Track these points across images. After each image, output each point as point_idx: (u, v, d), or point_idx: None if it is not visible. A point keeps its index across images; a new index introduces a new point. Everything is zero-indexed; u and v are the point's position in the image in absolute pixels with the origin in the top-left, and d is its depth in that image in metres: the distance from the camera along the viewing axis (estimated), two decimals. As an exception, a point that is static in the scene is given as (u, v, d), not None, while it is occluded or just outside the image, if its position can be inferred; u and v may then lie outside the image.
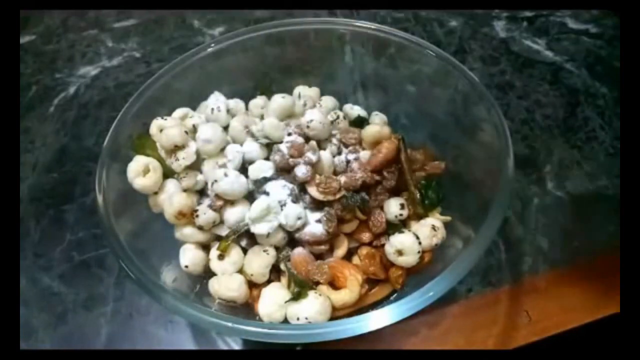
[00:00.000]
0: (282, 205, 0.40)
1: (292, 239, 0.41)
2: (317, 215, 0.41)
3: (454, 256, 0.36)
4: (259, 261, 0.39)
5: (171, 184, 0.43)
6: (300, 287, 0.38)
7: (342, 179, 0.41)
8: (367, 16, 0.78)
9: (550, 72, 0.69)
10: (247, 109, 0.50)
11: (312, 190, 0.40)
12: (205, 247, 0.43)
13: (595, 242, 0.51)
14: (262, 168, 0.41)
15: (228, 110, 0.47)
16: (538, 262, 0.50)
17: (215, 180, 0.40)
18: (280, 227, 0.40)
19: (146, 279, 0.35)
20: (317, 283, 0.38)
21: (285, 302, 0.37)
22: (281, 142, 0.42)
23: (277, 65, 0.54)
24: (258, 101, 0.50)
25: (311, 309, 0.36)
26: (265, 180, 0.41)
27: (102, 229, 0.38)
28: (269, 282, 0.40)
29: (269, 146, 0.43)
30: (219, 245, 0.40)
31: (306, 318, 0.35)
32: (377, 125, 0.46)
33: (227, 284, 0.39)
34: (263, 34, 0.51)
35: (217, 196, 0.40)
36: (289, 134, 0.43)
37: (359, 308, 0.39)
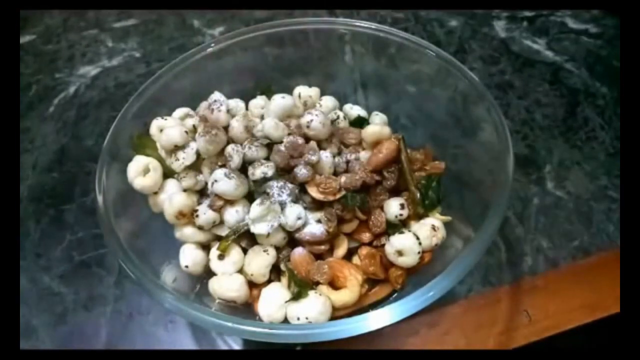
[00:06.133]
0: (282, 205, 0.40)
1: (292, 239, 0.41)
2: (317, 215, 0.41)
3: (454, 256, 0.36)
4: (259, 261, 0.39)
5: (171, 184, 0.43)
6: (300, 287, 0.38)
7: (342, 179, 0.41)
8: (367, 16, 0.78)
9: (550, 72, 0.69)
10: (247, 109, 0.50)
11: (312, 190, 0.40)
12: (205, 247, 0.42)
13: (595, 242, 0.51)
14: (262, 168, 0.41)
15: (228, 110, 0.47)
16: (538, 262, 0.50)
17: (215, 180, 0.40)
18: (280, 227, 0.40)
19: (146, 279, 0.35)
20: (317, 283, 0.38)
21: (285, 302, 0.37)
22: (281, 142, 0.42)
23: (277, 65, 0.54)
24: (258, 101, 0.50)
25: (311, 309, 0.36)
26: (265, 180, 0.41)
27: (102, 229, 0.38)
28: (269, 282, 0.40)
29: (269, 146, 0.43)
30: (219, 245, 0.40)
31: (306, 318, 0.35)
32: (377, 125, 0.46)
33: (227, 284, 0.39)
34: (263, 34, 0.51)
35: (217, 196, 0.40)
36: (289, 134, 0.43)
37: (359, 308, 0.39)
